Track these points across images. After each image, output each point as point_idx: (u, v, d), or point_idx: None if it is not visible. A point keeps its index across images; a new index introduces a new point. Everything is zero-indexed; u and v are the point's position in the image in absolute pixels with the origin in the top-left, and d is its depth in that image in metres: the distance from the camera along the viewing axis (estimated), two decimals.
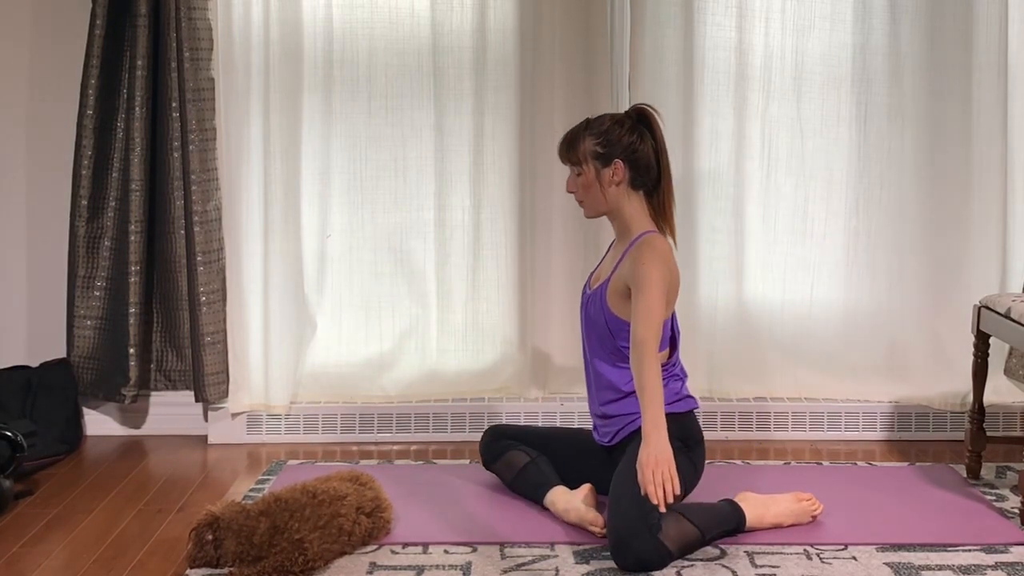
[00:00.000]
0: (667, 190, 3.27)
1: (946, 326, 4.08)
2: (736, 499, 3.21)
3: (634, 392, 3.09)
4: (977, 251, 4.06)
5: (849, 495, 3.48)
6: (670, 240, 3.26)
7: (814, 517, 3.26)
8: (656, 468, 2.84)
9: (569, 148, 3.27)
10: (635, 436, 3.11)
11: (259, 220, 4.03)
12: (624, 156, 3.20)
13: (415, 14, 4.04)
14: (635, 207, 3.24)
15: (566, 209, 4.06)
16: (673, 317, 3.27)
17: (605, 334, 3.24)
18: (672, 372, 3.26)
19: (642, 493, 2.85)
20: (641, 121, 3.26)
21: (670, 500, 2.85)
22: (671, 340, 3.27)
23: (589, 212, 3.31)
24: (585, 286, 3.39)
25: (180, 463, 3.89)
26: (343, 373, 4.15)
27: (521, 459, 3.43)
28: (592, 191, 3.25)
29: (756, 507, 3.20)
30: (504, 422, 4.03)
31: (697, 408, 3.30)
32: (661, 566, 2.94)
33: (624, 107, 4.02)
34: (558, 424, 4.04)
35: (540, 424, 4.04)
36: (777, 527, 3.20)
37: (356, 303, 4.17)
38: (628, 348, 3.13)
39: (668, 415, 2.99)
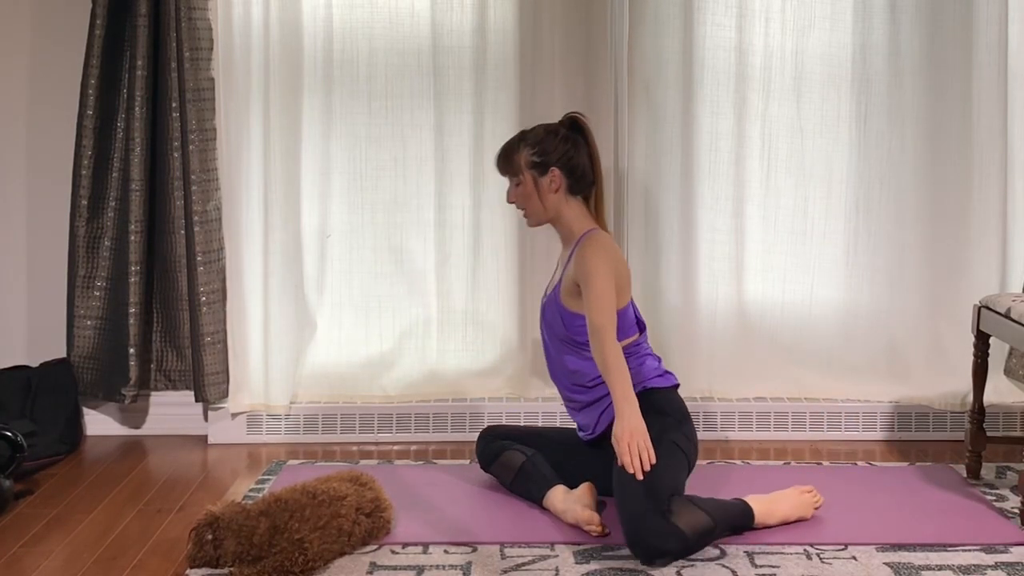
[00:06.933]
0: (599, 195, 3.38)
1: (946, 326, 4.09)
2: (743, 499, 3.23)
3: (601, 381, 3.20)
4: (977, 251, 4.06)
5: (849, 495, 3.48)
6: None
7: (816, 509, 3.29)
8: (631, 440, 2.93)
9: (506, 160, 3.37)
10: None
11: (259, 220, 4.03)
12: (560, 164, 3.29)
13: (415, 14, 4.04)
14: (575, 212, 3.34)
15: None
16: (633, 305, 3.35)
17: (564, 333, 3.31)
18: (646, 351, 3.35)
19: (618, 464, 2.93)
20: (574, 129, 3.35)
21: (647, 468, 2.92)
22: (638, 323, 3.35)
23: (532, 221, 3.40)
24: (543, 296, 3.45)
25: (180, 463, 3.89)
26: (343, 373, 4.15)
27: (517, 459, 3.44)
28: (532, 200, 3.34)
29: (763, 504, 3.21)
30: (504, 422, 4.04)
31: (678, 385, 3.36)
32: (677, 549, 2.95)
33: (624, 107, 4.04)
34: (558, 424, 4.04)
35: (540, 424, 4.05)
36: (784, 523, 3.21)
37: (356, 303, 4.17)
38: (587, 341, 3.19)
39: (655, 389, 3.21)
